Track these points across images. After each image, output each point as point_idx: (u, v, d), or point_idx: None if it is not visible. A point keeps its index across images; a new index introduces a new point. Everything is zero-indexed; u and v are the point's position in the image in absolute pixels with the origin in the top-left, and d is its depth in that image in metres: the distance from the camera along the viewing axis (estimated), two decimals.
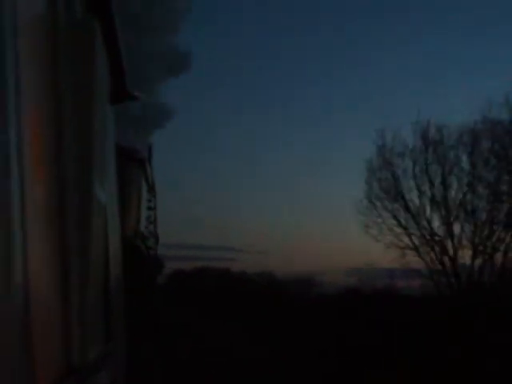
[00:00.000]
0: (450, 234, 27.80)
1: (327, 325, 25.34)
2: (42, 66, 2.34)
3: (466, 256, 27.47)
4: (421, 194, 28.27)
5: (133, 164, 12.71)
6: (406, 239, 28.19)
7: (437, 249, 27.88)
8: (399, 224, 28.41)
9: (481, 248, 27.13)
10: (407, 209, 28.38)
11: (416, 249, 28.08)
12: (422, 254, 28.03)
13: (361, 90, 54.44)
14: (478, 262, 27.19)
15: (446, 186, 28.01)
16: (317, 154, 61.16)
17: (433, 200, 28.12)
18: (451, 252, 27.54)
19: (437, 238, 28.00)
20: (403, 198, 28.49)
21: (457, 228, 27.73)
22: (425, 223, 28.10)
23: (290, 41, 55.51)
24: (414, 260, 27.94)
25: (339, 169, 60.69)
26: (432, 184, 28.10)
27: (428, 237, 28.08)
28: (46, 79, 2.39)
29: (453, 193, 28.05)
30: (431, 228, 28.05)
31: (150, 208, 16.29)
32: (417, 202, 28.39)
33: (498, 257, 27.03)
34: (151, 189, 16.22)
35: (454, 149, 28.14)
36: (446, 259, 27.71)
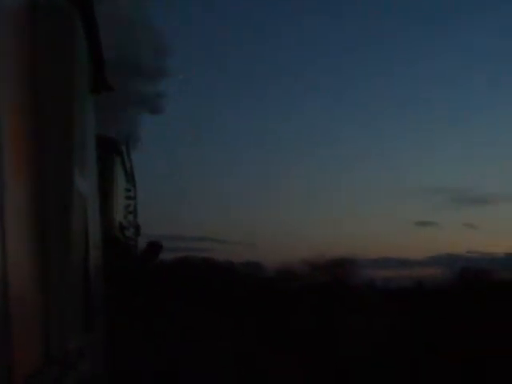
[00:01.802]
0: None
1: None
2: (22, 53, 2.32)
3: None
4: None
5: (110, 154, 12.66)
6: None
7: None
8: None
9: None
10: None
11: None
12: None
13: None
14: None
15: None
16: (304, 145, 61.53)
17: None
18: None
19: None
20: None
21: None
22: None
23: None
24: None
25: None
26: None
27: None
28: (26, 67, 2.38)
29: None
30: None
31: (129, 197, 16.24)
32: None
33: None
34: (130, 178, 16.17)
35: None
36: None
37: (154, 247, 18.06)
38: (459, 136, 61.49)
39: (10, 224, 1.93)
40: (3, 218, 1.86)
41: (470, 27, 53.20)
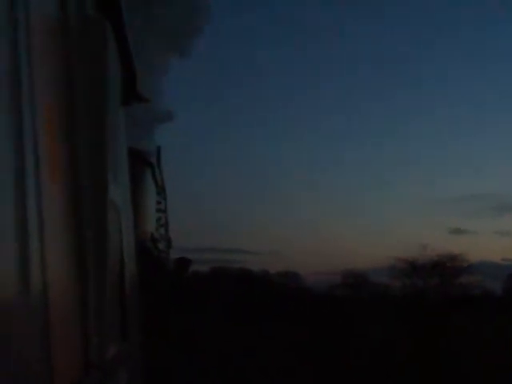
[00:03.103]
0: None
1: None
2: (55, 66, 2.36)
3: None
4: None
5: (141, 166, 12.74)
6: None
7: None
8: None
9: None
10: None
11: None
12: None
13: None
14: None
15: None
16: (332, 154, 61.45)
17: None
18: None
19: None
20: None
21: None
22: None
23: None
24: None
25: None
26: None
27: None
28: (59, 80, 2.41)
29: None
30: None
31: (160, 210, 16.32)
32: None
33: None
34: (161, 191, 16.25)
35: None
36: None
37: (184, 262, 18.15)
38: (494, 142, 60.90)
39: (48, 232, 1.95)
40: (41, 225, 1.88)
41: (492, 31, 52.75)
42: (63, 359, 2.16)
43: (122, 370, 3.51)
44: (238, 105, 64.11)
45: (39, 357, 1.86)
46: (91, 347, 2.56)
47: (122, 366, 3.49)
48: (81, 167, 2.59)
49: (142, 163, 12.78)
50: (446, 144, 63.47)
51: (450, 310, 24.57)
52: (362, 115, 66.47)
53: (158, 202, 15.84)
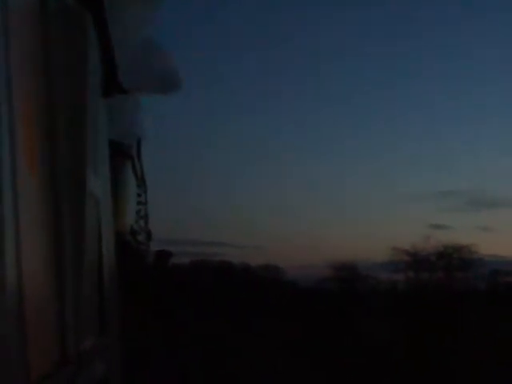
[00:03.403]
0: None
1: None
2: (34, 55, 2.33)
3: None
4: None
5: (121, 158, 12.66)
6: None
7: None
8: None
9: None
10: None
11: None
12: None
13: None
14: None
15: None
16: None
17: None
18: None
19: None
20: None
21: None
22: None
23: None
24: None
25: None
26: None
27: None
28: (38, 69, 2.38)
29: None
30: None
31: (140, 203, 16.24)
32: None
33: None
34: (141, 183, 16.18)
35: None
36: None
37: (164, 255, 18.10)
38: (473, 139, 61.47)
39: (24, 224, 1.93)
40: (18, 217, 1.86)
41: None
42: (39, 352, 2.14)
43: (99, 363, 3.50)
44: (224, 94, 64.15)
45: (14, 350, 1.84)
46: (67, 340, 2.55)
47: (98, 359, 3.47)
48: (59, 159, 2.56)
49: (122, 155, 12.71)
50: (422, 140, 63.95)
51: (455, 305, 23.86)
52: (350, 111, 66.76)
53: (138, 195, 15.77)
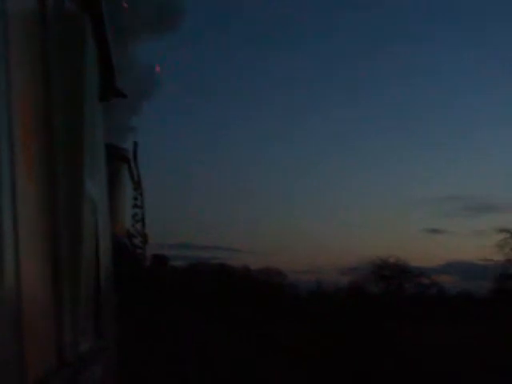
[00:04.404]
0: None
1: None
2: (32, 59, 2.34)
3: None
4: None
5: (118, 162, 12.65)
6: None
7: None
8: None
9: None
10: None
11: None
12: None
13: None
14: None
15: None
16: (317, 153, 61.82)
17: None
18: None
19: None
20: None
21: None
22: None
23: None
24: None
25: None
26: None
27: None
28: (37, 74, 2.39)
29: None
30: None
31: (136, 206, 16.23)
32: None
33: None
34: (137, 187, 16.16)
35: None
36: None
37: (161, 259, 18.09)
38: (470, 144, 61.53)
39: (22, 227, 1.94)
40: (16, 221, 1.86)
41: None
42: (36, 355, 2.14)
43: (96, 367, 3.50)
44: (219, 96, 64.12)
45: (12, 353, 1.85)
46: (65, 343, 2.55)
47: (95, 363, 3.47)
48: (57, 162, 2.57)
49: (119, 159, 12.72)
50: (421, 146, 64.02)
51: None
52: (353, 116, 66.82)
53: (135, 198, 15.78)
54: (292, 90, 63.07)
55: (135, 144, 16.70)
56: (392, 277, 31.16)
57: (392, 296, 29.65)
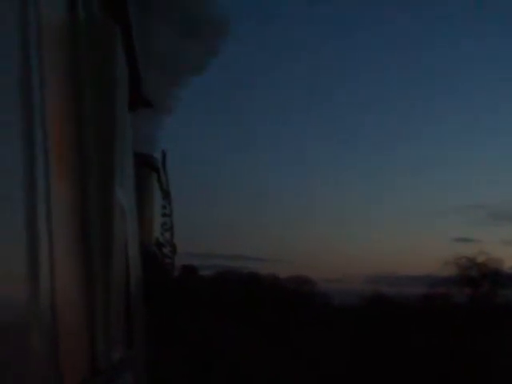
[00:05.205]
0: None
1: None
2: (64, 68, 2.35)
3: None
4: None
5: (147, 170, 12.73)
6: None
7: None
8: None
9: None
10: None
11: None
12: None
13: None
14: None
15: None
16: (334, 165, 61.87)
17: None
18: None
19: None
20: None
21: None
22: None
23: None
24: None
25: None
26: None
27: None
28: (68, 82, 2.40)
29: None
30: None
31: (165, 215, 16.29)
32: None
33: None
34: (166, 195, 16.24)
35: None
36: None
37: (191, 269, 18.19)
38: (497, 151, 60.88)
39: (56, 235, 1.94)
40: (50, 227, 1.87)
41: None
42: (70, 365, 2.14)
43: (128, 376, 3.50)
44: (246, 107, 64.40)
45: (48, 363, 1.85)
46: (98, 353, 2.55)
47: (127, 373, 3.47)
48: (89, 169, 2.57)
49: (148, 167, 12.79)
50: (446, 152, 63.46)
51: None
52: (366, 121, 66.66)
53: (164, 207, 15.84)
54: (320, 96, 63.03)
55: (163, 153, 16.81)
56: (481, 279, 25.31)
57: (482, 303, 24.62)
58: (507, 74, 56.72)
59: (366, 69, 62.32)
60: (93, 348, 2.50)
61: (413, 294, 28.91)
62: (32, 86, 1.79)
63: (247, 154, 65.69)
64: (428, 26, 62.65)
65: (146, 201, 12.15)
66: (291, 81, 65.52)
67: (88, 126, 2.60)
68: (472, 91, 60.15)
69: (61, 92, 2.26)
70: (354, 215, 64.12)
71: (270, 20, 61.54)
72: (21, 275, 1.63)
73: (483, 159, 61.15)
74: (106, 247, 2.75)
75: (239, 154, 64.34)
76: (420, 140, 62.96)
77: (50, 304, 1.85)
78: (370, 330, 24.06)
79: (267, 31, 62.38)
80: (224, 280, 35.72)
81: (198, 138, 63.28)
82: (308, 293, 38.48)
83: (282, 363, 19.49)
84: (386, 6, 57.90)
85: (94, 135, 2.66)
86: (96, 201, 2.63)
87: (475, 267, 25.36)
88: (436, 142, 63.11)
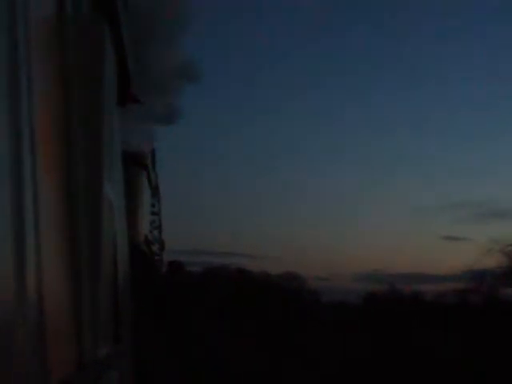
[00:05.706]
0: None
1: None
2: (53, 65, 2.36)
3: None
4: None
5: (136, 168, 12.69)
6: None
7: None
8: None
9: None
10: None
11: None
12: None
13: None
14: None
15: None
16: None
17: None
18: None
19: None
20: None
21: None
22: None
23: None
24: None
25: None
26: None
27: None
28: (57, 79, 2.41)
29: None
30: None
31: (154, 213, 16.24)
32: None
33: None
34: (155, 193, 16.19)
35: None
36: None
37: (178, 266, 18.15)
38: (485, 150, 61.13)
39: (44, 229, 1.95)
40: (37, 221, 1.88)
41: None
42: (56, 359, 2.15)
43: (114, 372, 3.50)
44: (237, 104, 64.37)
45: (32, 355, 1.86)
46: (84, 348, 2.56)
47: (113, 368, 3.48)
48: (77, 164, 2.58)
49: (137, 165, 12.76)
50: (434, 150, 63.67)
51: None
52: (354, 119, 66.82)
53: (152, 205, 15.82)
54: (307, 89, 63.02)
55: (153, 151, 16.78)
56: None
57: None
58: (507, 74, 57.00)
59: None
60: (79, 343, 2.51)
61: (412, 292, 28.98)
62: (20, 84, 1.80)
63: (235, 151, 65.74)
64: (422, 24, 62.92)
65: (136, 199, 12.13)
66: (277, 82, 65.68)
67: (75, 120, 2.61)
68: (460, 92, 60.51)
69: (49, 90, 2.27)
70: (343, 213, 64.24)
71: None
72: (7, 270, 1.64)
73: (473, 157, 61.46)
74: (94, 242, 2.76)
75: (227, 151, 64.35)
76: (407, 139, 63.20)
77: (36, 299, 1.86)
78: (362, 326, 24.08)
79: (266, 25, 62.26)
80: (213, 275, 35.61)
81: (186, 135, 63.27)
82: (298, 289, 38.49)
83: (272, 358, 19.49)
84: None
85: (82, 132, 2.67)
86: (84, 195, 2.64)
87: None
88: (422, 142, 63.34)
